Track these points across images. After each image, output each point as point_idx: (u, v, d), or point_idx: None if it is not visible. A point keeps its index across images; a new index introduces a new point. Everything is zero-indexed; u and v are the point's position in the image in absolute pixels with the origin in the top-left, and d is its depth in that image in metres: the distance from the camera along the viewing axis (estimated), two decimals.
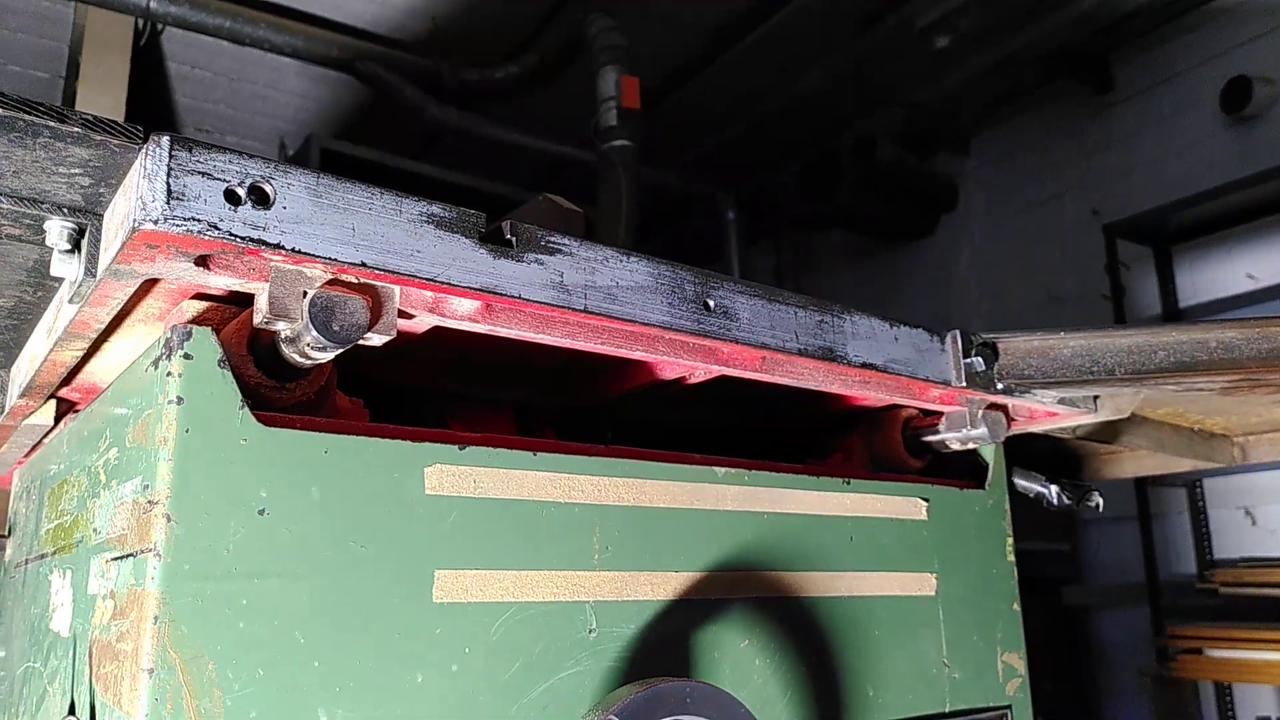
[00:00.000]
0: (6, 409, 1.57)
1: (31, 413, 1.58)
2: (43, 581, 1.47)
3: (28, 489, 1.79)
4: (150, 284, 1.08)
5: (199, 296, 1.19)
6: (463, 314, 1.13)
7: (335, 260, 0.99)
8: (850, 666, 1.52)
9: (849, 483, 1.59)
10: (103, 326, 1.14)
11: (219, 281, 1.02)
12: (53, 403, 1.57)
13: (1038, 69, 6.11)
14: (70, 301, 1.08)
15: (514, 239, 1.12)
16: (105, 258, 0.98)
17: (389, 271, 1.02)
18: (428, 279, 1.04)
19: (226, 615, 1.00)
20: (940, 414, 1.77)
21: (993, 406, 1.73)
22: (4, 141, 0.90)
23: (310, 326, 0.98)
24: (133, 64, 5.73)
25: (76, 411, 1.59)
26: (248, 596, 1.01)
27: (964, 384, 1.59)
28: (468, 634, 1.15)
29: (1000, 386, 1.63)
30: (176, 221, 0.90)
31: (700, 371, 1.42)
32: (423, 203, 1.05)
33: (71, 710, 1.17)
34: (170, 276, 1.00)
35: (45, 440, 1.69)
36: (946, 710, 1.63)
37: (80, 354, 1.26)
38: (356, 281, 1.03)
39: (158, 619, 0.96)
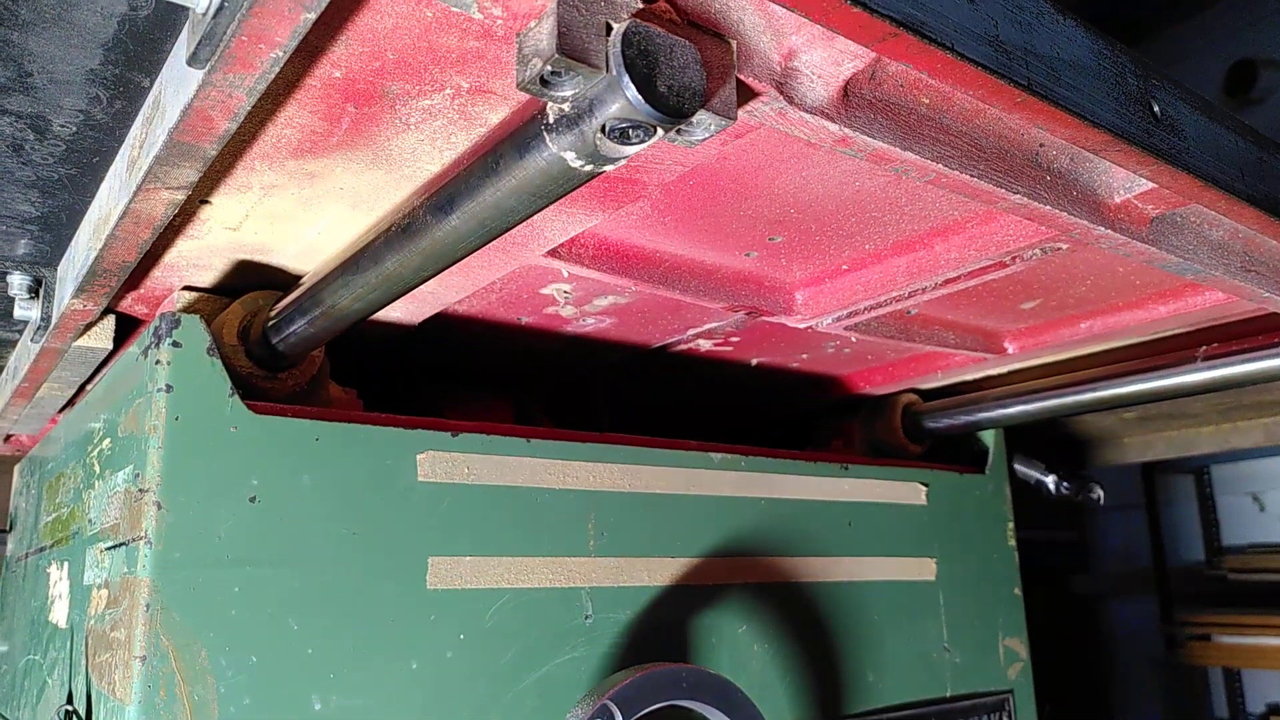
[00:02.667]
0: (54, 321, 1.16)
1: (87, 325, 1.20)
2: (41, 574, 1.47)
3: (27, 484, 1.79)
4: (315, 48, 0.72)
5: (189, 289, 1.19)
6: (814, 102, 0.74)
7: None
8: (850, 652, 1.51)
9: (847, 468, 1.59)
10: (236, 124, 0.71)
11: None
12: (112, 318, 1.24)
13: None
14: (192, 61, 0.63)
15: None
16: None
17: None
18: None
19: (218, 602, 1.00)
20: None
21: None
22: None
23: (625, 80, 0.58)
24: None
25: (139, 333, 1.20)
26: (240, 584, 1.01)
27: None
28: (462, 621, 1.15)
29: None
30: None
31: (1034, 252, 1.10)
32: None
33: (69, 700, 1.18)
34: None
35: (52, 426, 1.68)
36: (948, 694, 1.63)
37: (182, 198, 0.84)
38: (677, 20, 0.65)
39: (149, 606, 0.96)
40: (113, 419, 1.17)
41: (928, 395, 1.87)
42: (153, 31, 0.74)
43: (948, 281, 1.21)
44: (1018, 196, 0.90)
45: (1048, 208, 0.92)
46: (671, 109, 0.60)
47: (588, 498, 1.28)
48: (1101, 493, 1.95)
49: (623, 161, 0.65)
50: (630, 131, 0.61)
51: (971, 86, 0.75)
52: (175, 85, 0.72)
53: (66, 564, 1.32)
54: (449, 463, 1.18)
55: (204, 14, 0.60)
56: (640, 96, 0.58)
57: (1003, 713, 1.69)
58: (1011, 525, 1.84)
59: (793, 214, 1.10)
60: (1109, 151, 0.86)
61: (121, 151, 0.90)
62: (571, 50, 0.58)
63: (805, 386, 1.82)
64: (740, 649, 1.38)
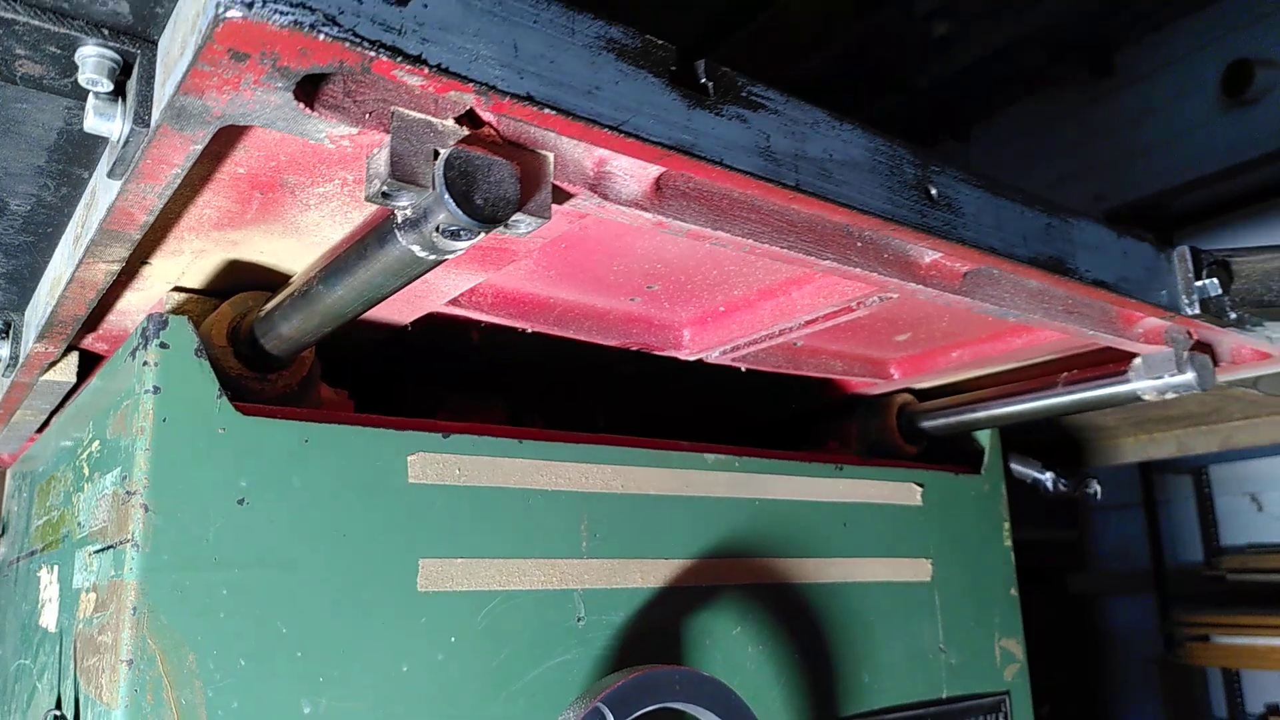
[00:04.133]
0: (21, 359, 1.30)
1: (51, 364, 1.32)
2: (32, 578, 1.47)
3: (20, 487, 1.79)
4: (215, 160, 0.85)
5: (179, 289, 1.18)
6: (628, 197, 0.88)
7: (493, 88, 0.72)
8: (845, 653, 1.51)
9: (841, 469, 1.58)
10: (153, 215, 0.85)
11: (322, 130, 0.74)
12: (75, 355, 1.34)
13: (1038, 54, 6.07)
14: (110, 175, 0.80)
15: (710, 84, 0.86)
16: (165, 90, 0.71)
17: (562, 112, 0.74)
18: (609, 127, 0.77)
19: (207, 606, 0.99)
20: (1128, 357, 1.52)
21: (1199, 346, 1.48)
22: None
23: (446, 198, 0.73)
24: None
25: (100, 365, 1.31)
26: (228, 587, 1.01)
27: (1195, 312, 1.32)
28: (453, 623, 1.14)
29: (1233, 316, 1.36)
30: (281, 8, 0.62)
31: (874, 299, 1.20)
32: (599, 23, 0.80)
33: (58, 705, 1.17)
34: (258, 121, 0.71)
35: (44, 428, 1.67)
36: (943, 696, 1.62)
37: (117, 269, 0.98)
38: (499, 141, 0.79)
39: (136, 610, 0.96)
40: (101, 421, 1.17)
41: (924, 395, 1.87)
42: (87, 139, 0.89)
43: (808, 323, 1.31)
44: (827, 262, 1.03)
45: (859, 270, 1.06)
46: (486, 217, 0.75)
47: (580, 499, 1.28)
48: (1099, 487, 1.94)
49: (461, 250, 0.80)
50: (460, 232, 0.76)
51: (746, 188, 0.90)
52: (104, 185, 0.87)
53: (57, 568, 1.31)
54: (440, 464, 1.17)
55: (117, 142, 0.76)
56: (459, 209, 0.73)
57: (999, 714, 1.69)
58: (1007, 525, 1.83)
59: (660, 269, 1.19)
60: (886, 229, 1.01)
61: (70, 226, 1.07)
62: (402, 175, 0.73)
63: (800, 386, 1.82)
64: (734, 651, 1.38)
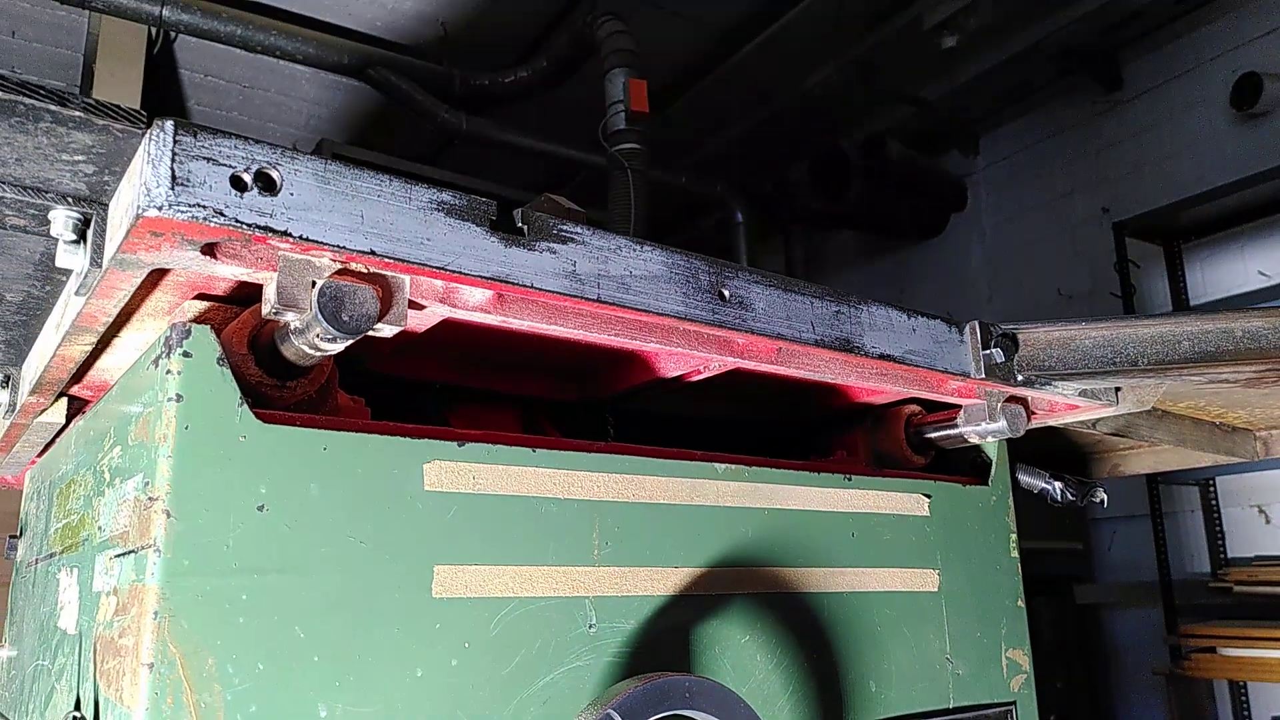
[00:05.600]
0: (18, 406, 1.57)
1: (42, 410, 1.57)
2: (51, 580, 1.49)
3: (38, 490, 1.81)
4: (158, 276, 1.07)
5: (201, 296, 1.20)
6: (474, 305, 1.12)
7: (343, 248, 0.97)
8: (853, 662, 1.52)
9: (850, 479, 1.59)
10: (110, 319, 1.13)
11: (226, 271, 0.99)
12: (64, 401, 1.57)
13: (1047, 67, 6.09)
14: (77, 294, 1.07)
15: (525, 227, 1.10)
16: (110, 247, 0.97)
17: (398, 260, 1.00)
18: (438, 268, 1.02)
19: (226, 610, 1.01)
20: (958, 408, 1.74)
21: (1012, 399, 1.69)
22: (5, 127, 0.87)
23: (319, 317, 0.97)
24: (146, 72, 5.77)
25: (87, 410, 1.57)
26: (247, 592, 1.02)
27: (983, 376, 1.54)
28: (467, 629, 1.15)
29: (1020, 378, 1.58)
30: (181, 208, 0.88)
31: (715, 364, 1.40)
32: (432, 190, 1.04)
33: (77, 706, 1.19)
34: (177, 266, 0.98)
35: (56, 440, 1.71)
36: (950, 706, 1.63)
37: (89, 349, 1.25)
38: (366, 271, 1.02)
39: (158, 614, 0.97)
40: (123, 427, 1.19)
41: (932, 407, 1.88)
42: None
43: (673, 378, 1.51)
44: (651, 345, 1.27)
45: (679, 349, 1.29)
46: (352, 330, 0.99)
47: (592, 507, 1.29)
48: (1105, 495, 1.95)
49: (341, 349, 1.07)
50: (335, 339, 1.01)
51: (557, 300, 1.13)
52: (74, 298, 1.12)
53: (76, 570, 1.33)
54: (455, 472, 1.19)
55: (80, 274, 1.03)
56: (329, 325, 0.98)
57: None
58: (1014, 536, 1.84)
59: (542, 339, 1.35)
60: (682, 325, 1.25)
61: (54, 313, 1.34)
62: (286, 301, 0.98)
63: (809, 396, 1.83)
64: (743, 659, 1.39)
